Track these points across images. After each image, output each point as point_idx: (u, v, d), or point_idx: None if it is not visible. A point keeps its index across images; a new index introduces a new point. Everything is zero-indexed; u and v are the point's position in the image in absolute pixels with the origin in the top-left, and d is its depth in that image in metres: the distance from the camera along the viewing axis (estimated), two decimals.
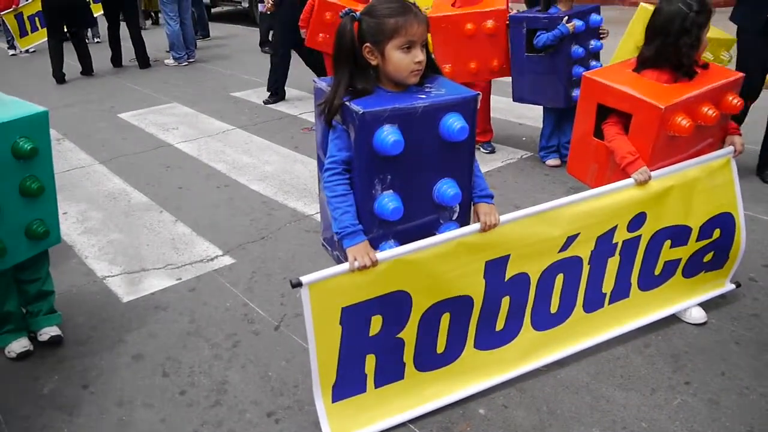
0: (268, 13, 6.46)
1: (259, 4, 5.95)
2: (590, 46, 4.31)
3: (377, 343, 2.14)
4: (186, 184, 4.57)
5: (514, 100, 4.72)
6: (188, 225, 3.90)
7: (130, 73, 8.45)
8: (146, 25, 12.23)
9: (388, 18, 1.90)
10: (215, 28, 11.50)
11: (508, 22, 4.38)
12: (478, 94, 2.05)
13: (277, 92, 6.65)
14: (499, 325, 2.37)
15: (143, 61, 8.77)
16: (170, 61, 8.71)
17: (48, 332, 2.74)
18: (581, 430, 2.23)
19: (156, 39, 10.31)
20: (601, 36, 4.33)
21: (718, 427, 2.22)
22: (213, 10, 13.37)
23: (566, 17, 4.11)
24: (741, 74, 2.54)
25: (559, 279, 2.42)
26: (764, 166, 4.17)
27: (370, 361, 2.16)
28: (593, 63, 4.33)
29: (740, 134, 2.64)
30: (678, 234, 2.58)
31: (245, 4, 11.94)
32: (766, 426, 2.21)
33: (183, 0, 8.47)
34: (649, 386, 2.43)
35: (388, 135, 1.87)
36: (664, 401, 2.35)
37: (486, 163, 4.71)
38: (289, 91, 7.15)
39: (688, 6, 2.38)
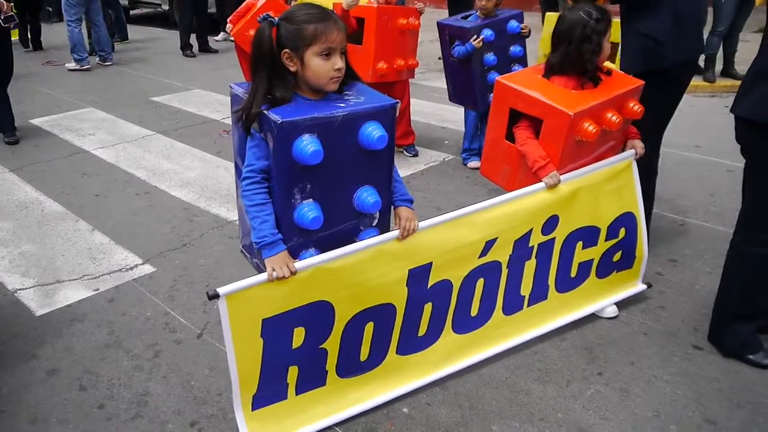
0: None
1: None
2: (509, 52, 4.46)
3: (300, 355, 2.14)
4: (103, 192, 4.42)
5: (449, 100, 4.96)
6: (106, 234, 3.78)
7: (43, 77, 8.09)
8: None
9: (307, 24, 1.90)
10: (134, 31, 11.15)
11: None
12: (397, 102, 2.07)
13: None
14: (422, 330, 2.41)
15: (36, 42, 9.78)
16: (71, 64, 8.35)
17: None
18: (501, 424, 2.31)
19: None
20: (523, 33, 4.47)
21: (628, 414, 2.35)
22: (131, 12, 12.95)
23: (474, 35, 4.27)
24: (641, 82, 2.69)
25: (480, 284, 2.50)
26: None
27: (293, 372, 2.16)
28: (515, 67, 4.47)
29: (640, 138, 2.80)
30: (588, 235, 2.70)
31: (165, 7, 11.64)
32: (671, 410, 2.36)
33: (91, 2, 8.11)
34: (565, 378, 2.54)
35: (308, 145, 1.87)
36: (578, 392, 2.47)
37: (409, 166, 4.79)
38: (211, 94, 7.05)
39: (588, 14, 2.52)
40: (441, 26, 4.57)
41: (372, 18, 4.40)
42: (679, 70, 2.99)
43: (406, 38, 4.65)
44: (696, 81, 3.30)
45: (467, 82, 4.53)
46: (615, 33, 3.58)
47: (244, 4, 5.67)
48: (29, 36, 9.89)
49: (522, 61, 4.53)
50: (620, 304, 2.94)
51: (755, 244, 2.46)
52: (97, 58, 8.70)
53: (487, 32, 4.28)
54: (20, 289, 3.20)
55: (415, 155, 5.02)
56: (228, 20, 5.80)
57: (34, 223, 3.94)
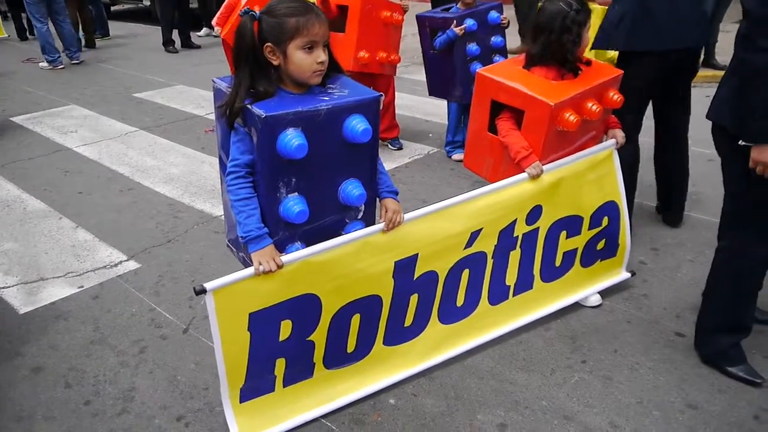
0: None
1: None
2: (491, 42, 4.48)
3: (287, 348, 2.15)
4: (87, 189, 4.39)
5: (429, 95, 4.95)
6: (90, 231, 3.76)
7: (24, 75, 8.00)
8: None
9: (289, 17, 1.89)
10: (115, 27, 11.06)
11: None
12: (381, 95, 2.07)
13: None
14: (408, 321, 2.43)
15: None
16: (44, 65, 8.24)
17: None
18: (486, 413, 2.33)
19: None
20: (503, 24, 4.50)
21: (611, 401, 2.38)
22: (113, 8, 12.83)
23: (455, 21, 4.27)
24: (620, 71, 2.72)
25: (465, 274, 2.51)
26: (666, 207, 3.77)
27: (280, 365, 2.17)
28: (496, 58, 4.50)
29: (621, 127, 2.83)
30: (572, 224, 2.73)
31: (147, 2, 11.53)
32: (654, 396, 2.40)
33: (53, 1, 7.92)
34: (549, 366, 2.57)
35: (292, 139, 1.87)
36: (562, 380, 2.49)
37: (393, 159, 4.80)
38: (195, 90, 7.02)
39: (568, 5, 2.53)
40: (421, 19, 4.56)
41: (356, 5, 4.39)
42: (636, 59, 3.03)
43: (389, 32, 4.64)
44: None
45: (449, 74, 4.53)
46: None
47: (226, 3, 5.63)
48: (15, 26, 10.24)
49: (502, 52, 4.55)
50: (604, 293, 2.97)
51: (734, 253, 2.40)
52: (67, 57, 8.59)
53: (470, 22, 4.30)
54: (3, 288, 3.18)
55: (400, 148, 5.03)
56: (214, 23, 5.72)
57: (17, 221, 3.91)
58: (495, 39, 4.49)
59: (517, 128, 2.60)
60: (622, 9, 2.98)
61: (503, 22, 4.46)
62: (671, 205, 3.69)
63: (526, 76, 2.62)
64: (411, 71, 7.27)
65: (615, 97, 2.62)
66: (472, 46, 4.38)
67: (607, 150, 2.74)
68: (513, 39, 5.31)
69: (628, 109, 2.91)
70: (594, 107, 2.54)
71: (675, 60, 3.08)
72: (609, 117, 2.80)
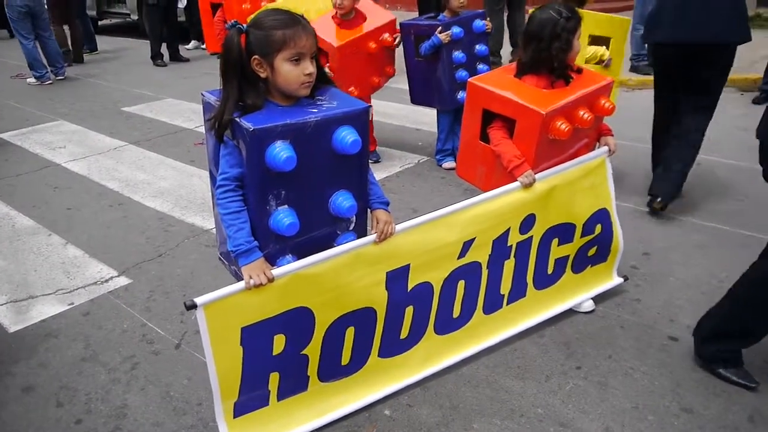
0: None
1: None
2: (475, 51, 4.50)
3: (281, 362, 2.13)
4: (76, 205, 4.36)
5: (411, 102, 4.95)
6: (80, 247, 3.73)
7: (11, 91, 7.96)
8: None
9: (276, 30, 1.89)
10: (103, 42, 11.03)
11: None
12: (370, 106, 2.07)
13: None
14: (404, 333, 2.42)
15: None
16: (32, 80, 8.24)
17: None
18: (482, 422, 2.32)
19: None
20: (488, 32, 4.53)
21: (607, 407, 2.37)
22: (100, 23, 12.80)
23: (440, 27, 4.29)
24: (611, 79, 2.73)
25: (461, 285, 2.50)
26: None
27: (274, 378, 2.15)
28: (480, 66, 4.52)
29: (613, 135, 2.84)
30: (564, 232, 2.72)
31: (134, 17, 11.51)
32: (649, 401, 2.39)
33: (37, 18, 7.92)
34: (544, 374, 2.56)
35: (281, 151, 1.86)
36: (557, 387, 2.49)
37: (384, 169, 4.80)
38: (184, 103, 7.00)
39: (558, 13, 2.54)
40: (405, 26, 4.55)
41: (334, 54, 4.30)
42: (656, 49, 3.68)
43: (379, 56, 4.59)
44: None
45: (435, 81, 4.54)
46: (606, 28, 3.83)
47: (216, 21, 5.63)
48: None
49: (485, 60, 4.58)
50: (596, 299, 2.97)
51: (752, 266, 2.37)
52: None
53: (456, 29, 4.31)
54: None
55: (377, 161, 4.94)
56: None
57: (5, 239, 3.88)
58: (479, 47, 4.51)
59: (509, 137, 2.60)
60: (653, 7, 3.60)
61: (488, 30, 4.49)
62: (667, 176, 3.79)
63: (517, 85, 2.63)
64: (400, 81, 7.26)
65: (606, 104, 2.62)
66: (458, 54, 4.40)
67: (599, 157, 2.75)
68: None
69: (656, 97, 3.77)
70: (585, 115, 2.55)
71: (688, 54, 3.37)
72: (601, 124, 2.80)
